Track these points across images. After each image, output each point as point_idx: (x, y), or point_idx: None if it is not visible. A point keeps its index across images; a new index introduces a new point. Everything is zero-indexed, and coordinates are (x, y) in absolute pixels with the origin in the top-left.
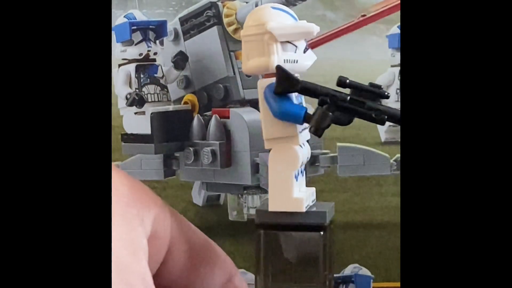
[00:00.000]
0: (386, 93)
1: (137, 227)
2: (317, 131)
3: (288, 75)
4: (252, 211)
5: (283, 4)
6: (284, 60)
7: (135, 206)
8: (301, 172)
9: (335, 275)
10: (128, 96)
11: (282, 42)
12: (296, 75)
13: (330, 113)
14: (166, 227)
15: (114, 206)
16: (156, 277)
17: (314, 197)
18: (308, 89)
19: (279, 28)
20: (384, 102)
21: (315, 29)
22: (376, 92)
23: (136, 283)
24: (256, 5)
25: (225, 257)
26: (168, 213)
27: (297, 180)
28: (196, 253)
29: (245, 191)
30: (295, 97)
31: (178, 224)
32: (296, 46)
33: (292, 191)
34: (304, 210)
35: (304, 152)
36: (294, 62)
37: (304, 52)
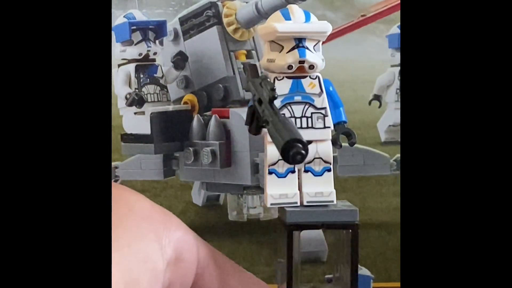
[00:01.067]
0: (275, 96)
1: (151, 242)
2: (248, 129)
3: (245, 75)
4: (252, 211)
5: (284, 4)
6: (267, 59)
7: (152, 224)
8: (305, 170)
9: (334, 275)
10: (128, 96)
11: (271, 42)
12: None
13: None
14: (192, 251)
15: (129, 222)
16: None
17: (330, 198)
18: (249, 89)
19: (259, 29)
20: (384, 102)
21: (277, 28)
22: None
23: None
24: (256, 5)
25: (258, 280)
26: (193, 237)
27: (284, 177)
28: (230, 277)
29: (245, 191)
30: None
31: (206, 249)
32: (282, 46)
33: (266, 186)
34: (268, 205)
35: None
36: (271, 61)
37: (289, 51)
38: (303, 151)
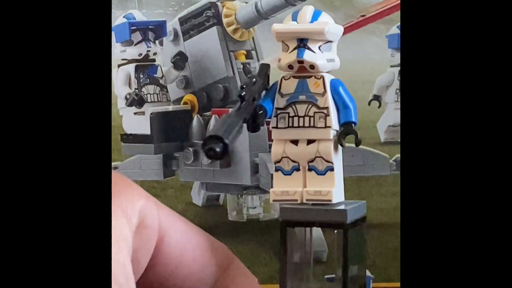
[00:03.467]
0: (241, 94)
1: (119, 218)
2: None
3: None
4: (252, 211)
5: (284, 4)
6: (278, 59)
7: (117, 199)
8: (309, 169)
9: (334, 275)
10: (128, 96)
11: (282, 42)
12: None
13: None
14: (154, 217)
15: None
16: (154, 267)
17: (327, 197)
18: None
19: None
20: (384, 102)
21: (275, 29)
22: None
23: (116, 271)
24: (256, 6)
25: (221, 243)
26: (155, 204)
27: (289, 174)
28: (190, 241)
29: (244, 191)
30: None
31: (166, 215)
32: (288, 46)
33: (273, 183)
34: (271, 201)
35: (298, 150)
36: (279, 61)
37: (292, 51)
38: (217, 149)
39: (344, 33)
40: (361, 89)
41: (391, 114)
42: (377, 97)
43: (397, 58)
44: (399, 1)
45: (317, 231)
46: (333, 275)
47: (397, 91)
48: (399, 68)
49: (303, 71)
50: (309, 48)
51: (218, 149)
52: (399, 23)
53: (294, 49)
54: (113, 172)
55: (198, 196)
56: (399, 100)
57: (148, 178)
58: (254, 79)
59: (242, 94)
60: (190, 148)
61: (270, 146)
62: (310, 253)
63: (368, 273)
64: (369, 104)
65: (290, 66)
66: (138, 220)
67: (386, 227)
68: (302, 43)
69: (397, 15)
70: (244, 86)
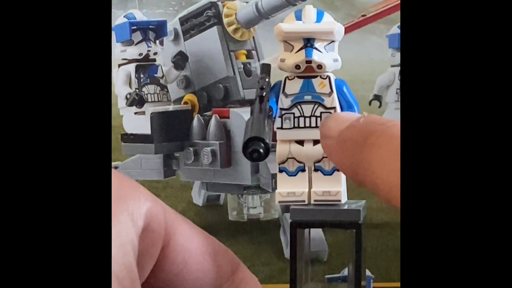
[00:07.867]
0: (262, 94)
1: (126, 221)
2: None
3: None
4: (252, 211)
5: (284, 4)
6: (280, 59)
7: (124, 202)
8: (315, 169)
9: (335, 275)
10: (128, 96)
11: (284, 42)
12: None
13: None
14: (160, 221)
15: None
16: (158, 271)
17: (336, 197)
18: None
19: (274, 29)
20: (384, 102)
21: (283, 28)
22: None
23: (122, 275)
24: (256, 6)
25: (227, 248)
26: (161, 207)
27: (294, 175)
28: (196, 245)
29: (245, 191)
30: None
31: (173, 218)
32: (292, 46)
33: (277, 185)
34: (276, 202)
35: (305, 151)
36: (283, 61)
37: (298, 51)
38: (261, 150)
39: (344, 33)
40: (362, 89)
41: (391, 114)
42: (377, 97)
43: (397, 58)
44: (399, 1)
45: (317, 232)
46: (334, 275)
47: (398, 91)
48: (399, 68)
49: (309, 71)
50: (316, 48)
51: (261, 150)
52: (399, 23)
53: (301, 49)
54: (119, 174)
55: (198, 196)
56: (399, 100)
57: (149, 178)
58: (268, 79)
59: (263, 95)
60: (190, 148)
61: (271, 146)
62: (309, 253)
63: (368, 273)
64: (369, 104)
65: (297, 66)
66: (144, 223)
67: (386, 227)
68: (309, 43)
69: (397, 15)
70: (264, 87)
